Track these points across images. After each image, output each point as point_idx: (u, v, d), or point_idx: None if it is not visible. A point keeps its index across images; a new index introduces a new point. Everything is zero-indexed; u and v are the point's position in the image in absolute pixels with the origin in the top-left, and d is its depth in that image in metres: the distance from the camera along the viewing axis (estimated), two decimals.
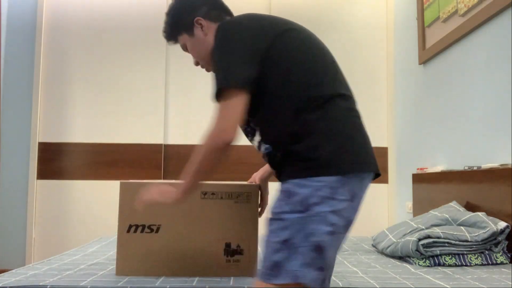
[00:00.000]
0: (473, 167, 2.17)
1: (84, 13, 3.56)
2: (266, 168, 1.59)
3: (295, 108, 1.15)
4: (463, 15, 2.40)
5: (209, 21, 1.35)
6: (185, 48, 1.41)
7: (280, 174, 1.21)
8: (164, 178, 3.48)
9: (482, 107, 2.26)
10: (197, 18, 1.34)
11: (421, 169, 2.78)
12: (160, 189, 1.27)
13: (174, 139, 3.54)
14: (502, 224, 1.81)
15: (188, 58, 3.58)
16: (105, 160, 3.49)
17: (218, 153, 1.14)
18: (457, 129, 2.51)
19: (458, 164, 2.45)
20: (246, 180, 3.44)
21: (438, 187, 2.49)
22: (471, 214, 1.94)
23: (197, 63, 1.42)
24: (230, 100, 1.12)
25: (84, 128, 3.51)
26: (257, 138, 1.27)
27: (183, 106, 3.56)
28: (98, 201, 3.44)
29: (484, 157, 2.22)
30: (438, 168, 2.60)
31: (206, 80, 3.56)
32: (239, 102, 1.13)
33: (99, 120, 3.51)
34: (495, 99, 2.14)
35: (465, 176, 2.20)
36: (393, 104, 3.52)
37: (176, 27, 1.38)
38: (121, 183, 1.57)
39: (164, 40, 3.54)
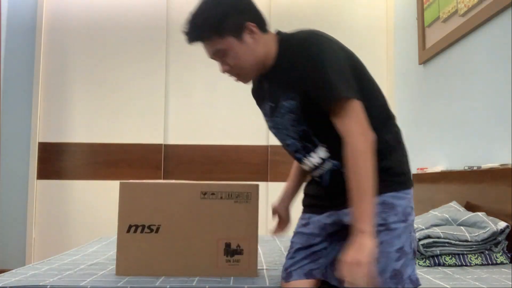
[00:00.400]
0: (473, 167, 2.17)
1: (84, 13, 3.56)
2: (288, 194, 1.53)
3: (373, 127, 1.19)
4: (463, 15, 2.40)
5: (259, 30, 1.25)
6: (219, 53, 1.24)
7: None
8: (164, 178, 3.48)
9: (482, 107, 2.26)
10: (249, 22, 1.22)
11: (421, 169, 2.78)
12: (361, 255, 1.05)
13: (174, 139, 3.54)
14: (502, 224, 1.81)
15: (189, 58, 3.57)
16: (105, 160, 3.49)
17: (373, 155, 1.13)
18: (457, 129, 2.51)
19: (458, 164, 2.45)
20: (246, 180, 3.46)
21: (438, 187, 2.48)
22: (471, 214, 1.94)
23: (226, 71, 1.28)
24: (355, 108, 1.16)
25: (84, 128, 3.51)
26: (320, 155, 1.27)
27: (183, 106, 3.56)
28: (98, 201, 3.44)
29: (484, 157, 2.22)
30: (438, 168, 2.60)
31: (206, 80, 3.56)
32: (361, 109, 1.17)
33: (99, 120, 3.51)
34: (495, 99, 2.14)
35: (465, 176, 2.20)
36: (393, 104, 3.52)
37: (221, 26, 1.20)
38: (121, 183, 1.57)
39: (164, 40, 3.55)
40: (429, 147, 2.86)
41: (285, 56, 1.25)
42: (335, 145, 1.20)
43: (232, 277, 1.52)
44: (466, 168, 2.24)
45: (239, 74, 1.27)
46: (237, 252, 1.55)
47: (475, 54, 2.33)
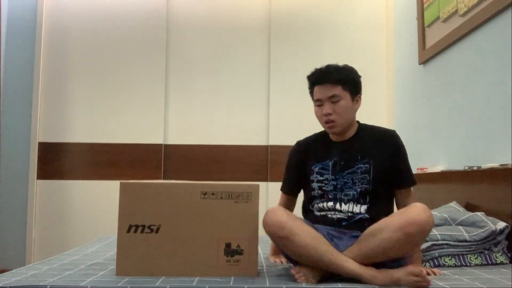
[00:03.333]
0: (473, 167, 2.17)
1: (84, 13, 3.56)
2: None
3: None
4: (463, 15, 2.40)
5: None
6: (333, 98, 1.60)
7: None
8: (164, 178, 3.48)
9: (482, 107, 2.26)
10: (360, 95, 1.67)
11: (421, 169, 2.78)
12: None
13: (174, 139, 3.54)
14: (501, 224, 1.81)
15: (189, 58, 3.57)
16: (105, 160, 3.49)
17: None
18: (457, 129, 2.51)
19: (458, 164, 2.45)
20: (246, 180, 3.46)
21: (438, 187, 2.48)
22: (470, 214, 1.94)
23: (329, 113, 1.60)
24: None
25: (84, 128, 3.51)
26: (362, 208, 1.62)
27: (183, 106, 3.56)
28: (98, 201, 3.44)
29: (484, 157, 2.22)
30: (438, 168, 2.60)
31: (206, 80, 3.56)
32: None
33: (99, 120, 3.51)
34: (495, 99, 2.14)
35: (465, 176, 2.20)
36: (393, 104, 3.52)
37: (350, 82, 1.62)
38: (121, 183, 1.57)
39: (164, 40, 3.55)
40: (429, 147, 2.86)
41: (364, 134, 1.69)
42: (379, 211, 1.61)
43: (232, 277, 1.52)
44: (466, 168, 2.24)
45: (336, 120, 1.61)
46: (237, 252, 1.55)
47: (475, 54, 2.33)
